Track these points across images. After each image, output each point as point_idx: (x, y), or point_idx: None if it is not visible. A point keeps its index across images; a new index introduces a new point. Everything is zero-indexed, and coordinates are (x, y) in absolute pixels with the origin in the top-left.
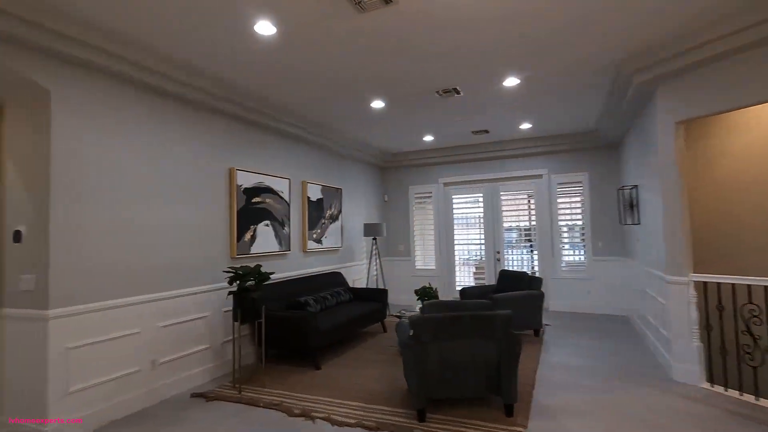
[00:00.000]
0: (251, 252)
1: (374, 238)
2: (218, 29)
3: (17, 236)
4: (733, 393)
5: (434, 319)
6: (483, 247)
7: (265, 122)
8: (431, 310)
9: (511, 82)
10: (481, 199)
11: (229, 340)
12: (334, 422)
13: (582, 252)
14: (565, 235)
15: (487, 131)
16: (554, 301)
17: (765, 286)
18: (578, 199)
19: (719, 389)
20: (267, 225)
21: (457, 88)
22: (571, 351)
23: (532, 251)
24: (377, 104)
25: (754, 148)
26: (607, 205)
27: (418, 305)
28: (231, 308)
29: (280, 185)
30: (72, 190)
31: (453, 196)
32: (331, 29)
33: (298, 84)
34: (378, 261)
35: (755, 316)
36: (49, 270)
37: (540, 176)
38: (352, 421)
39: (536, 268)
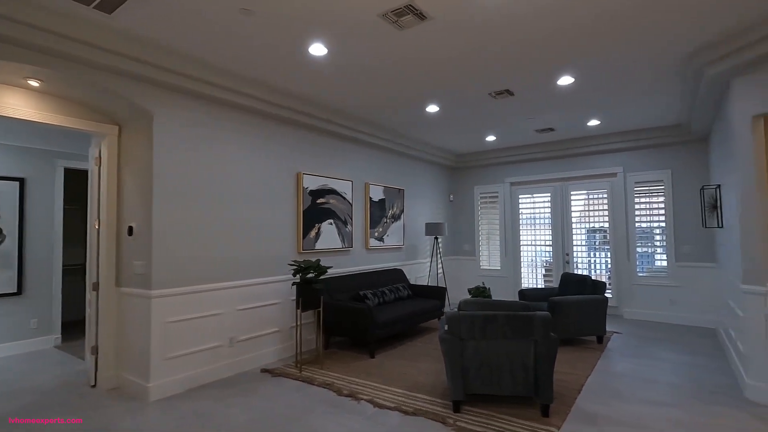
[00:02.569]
0: (316, 248)
1: (436, 237)
2: (281, 53)
3: (130, 230)
4: None
5: (467, 316)
6: (551, 249)
7: (330, 128)
8: (467, 307)
9: (566, 80)
10: (549, 199)
11: (295, 327)
12: (376, 404)
13: (663, 257)
14: (644, 238)
15: (552, 129)
16: (630, 309)
17: None
18: (659, 199)
19: None
20: (330, 223)
21: (510, 89)
22: (637, 361)
23: (605, 254)
24: (432, 108)
25: None
26: (692, 206)
27: None
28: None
29: (343, 187)
30: (169, 194)
31: (520, 196)
32: (376, 46)
33: (356, 94)
34: (440, 260)
35: None
36: (152, 259)
37: (614, 175)
38: (392, 405)
39: (610, 273)
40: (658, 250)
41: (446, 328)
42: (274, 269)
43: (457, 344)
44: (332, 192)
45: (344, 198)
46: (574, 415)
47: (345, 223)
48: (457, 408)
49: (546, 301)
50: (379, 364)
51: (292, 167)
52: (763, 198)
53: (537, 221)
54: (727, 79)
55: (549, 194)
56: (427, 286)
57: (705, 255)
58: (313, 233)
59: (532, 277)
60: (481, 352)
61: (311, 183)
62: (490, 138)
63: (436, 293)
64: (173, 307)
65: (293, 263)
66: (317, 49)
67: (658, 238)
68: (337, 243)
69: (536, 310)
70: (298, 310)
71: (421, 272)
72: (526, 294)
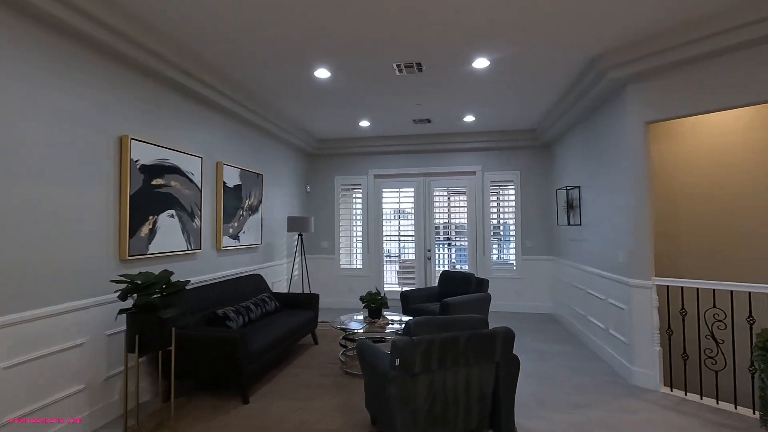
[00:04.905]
0: (149, 252)
1: (300, 234)
2: None
3: None
4: (694, 397)
5: (424, 342)
6: (413, 245)
7: (178, 79)
8: (419, 330)
9: (481, 63)
10: (412, 194)
11: (118, 374)
12: None
13: (511, 251)
14: (497, 234)
15: (429, 121)
16: None
17: (731, 291)
18: (510, 197)
19: (678, 393)
20: (172, 216)
21: (421, 63)
22: (524, 357)
23: (461, 249)
24: (322, 73)
25: (696, 155)
26: (536, 205)
27: (364, 314)
28: (120, 330)
29: (190, 165)
30: None
31: (383, 190)
32: None
33: (226, 31)
34: (303, 260)
35: (719, 320)
36: None
37: (474, 173)
38: None
39: (465, 267)
40: (508, 245)
41: (397, 363)
42: (75, 289)
43: (410, 384)
44: (175, 170)
45: (191, 180)
46: None
47: (192, 215)
48: None
49: (434, 303)
50: (260, 412)
51: (112, 126)
52: (650, 200)
53: (401, 217)
54: (624, 84)
55: (413, 189)
56: (296, 294)
57: (545, 249)
58: (145, 229)
59: (395, 276)
60: (436, 387)
61: (144, 154)
62: (364, 123)
63: (308, 302)
64: None
65: (123, 279)
66: None
67: (508, 233)
68: (180, 243)
69: (481, 323)
70: (134, 355)
71: (276, 276)
72: (409, 296)
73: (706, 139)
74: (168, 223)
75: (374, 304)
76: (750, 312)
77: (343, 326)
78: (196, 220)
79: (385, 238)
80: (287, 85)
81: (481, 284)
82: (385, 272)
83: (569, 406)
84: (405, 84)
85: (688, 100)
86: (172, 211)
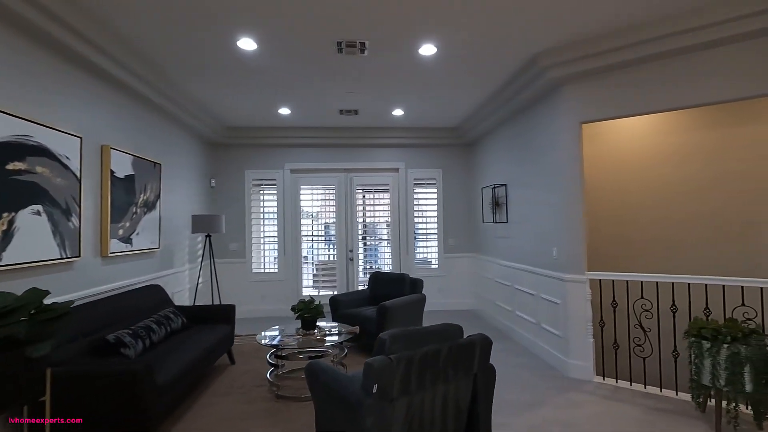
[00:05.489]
0: (3, 262)
1: (208, 236)
2: None
3: None
4: (624, 384)
5: (404, 360)
6: (335, 245)
7: (43, 27)
8: (397, 346)
9: (428, 50)
10: (333, 191)
11: None
12: None
13: (434, 249)
14: (420, 232)
15: (356, 112)
16: None
17: (657, 282)
18: (433, 195)
19: (610, 382)
20: (37, 213)
21: (365, 44)
22: None
23: (374, 249)
24: (246, 44)
25: (606, 160)
26: (459, 203)
27: (295, 325)
28: None
29: (64, 145)
30: None
31: (301, 186)
32: None
33: None
34: (212, 266)
35: (646, 310)
36: None
37: (397, 170)
38: None
39: (388, 267)
40: (431, 243)
41: (374, 389)
42: None
43: (388, 410)
44: (43, 152)
45: (66, 167)
46: None
47: (68, 212)
48: None
49: (367, 307)
50: None
51: None
52: (583, 197)
53: (320, 215)
54: (561, 84)
55: (334, 186)
56: (207, 307)
57: (467, 247)
58: None
59: (311, 280)
60: (414, 408)
61: None
62: (284, 111)
63: (222, 315)
64: None
65: None
66: None
67: (431, 232)
68: (50, 250)
69: (458, 331)
70: None
71: (177, 285)
72: (339, 300)
73: (618, 144)
74: (32, 223)
75: (308, 314)
76: (673, 301)
77: (273, 342)
78: (73, 219)
79: (303, 239)
80: (200, 56)
81: (416, 285)
82: (303, 276)
83: (522, 407)
84: (341, 67)
85: (622, 102)
86: (39, 207)
